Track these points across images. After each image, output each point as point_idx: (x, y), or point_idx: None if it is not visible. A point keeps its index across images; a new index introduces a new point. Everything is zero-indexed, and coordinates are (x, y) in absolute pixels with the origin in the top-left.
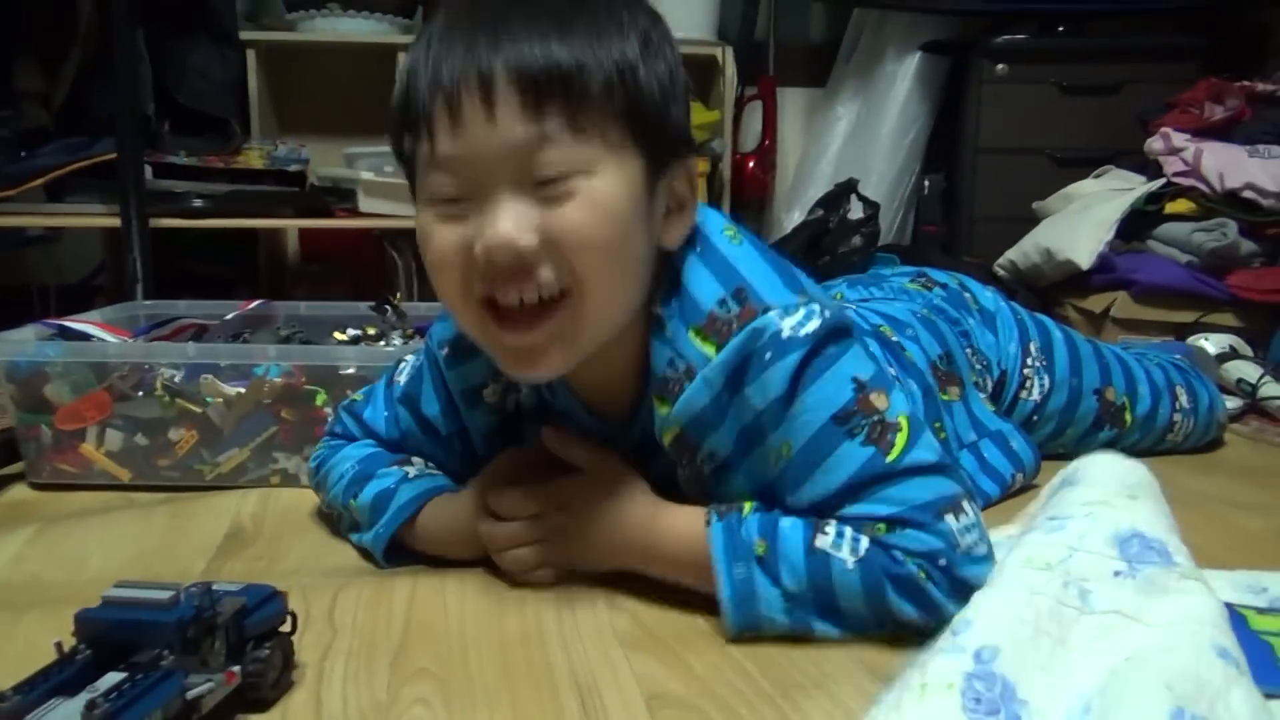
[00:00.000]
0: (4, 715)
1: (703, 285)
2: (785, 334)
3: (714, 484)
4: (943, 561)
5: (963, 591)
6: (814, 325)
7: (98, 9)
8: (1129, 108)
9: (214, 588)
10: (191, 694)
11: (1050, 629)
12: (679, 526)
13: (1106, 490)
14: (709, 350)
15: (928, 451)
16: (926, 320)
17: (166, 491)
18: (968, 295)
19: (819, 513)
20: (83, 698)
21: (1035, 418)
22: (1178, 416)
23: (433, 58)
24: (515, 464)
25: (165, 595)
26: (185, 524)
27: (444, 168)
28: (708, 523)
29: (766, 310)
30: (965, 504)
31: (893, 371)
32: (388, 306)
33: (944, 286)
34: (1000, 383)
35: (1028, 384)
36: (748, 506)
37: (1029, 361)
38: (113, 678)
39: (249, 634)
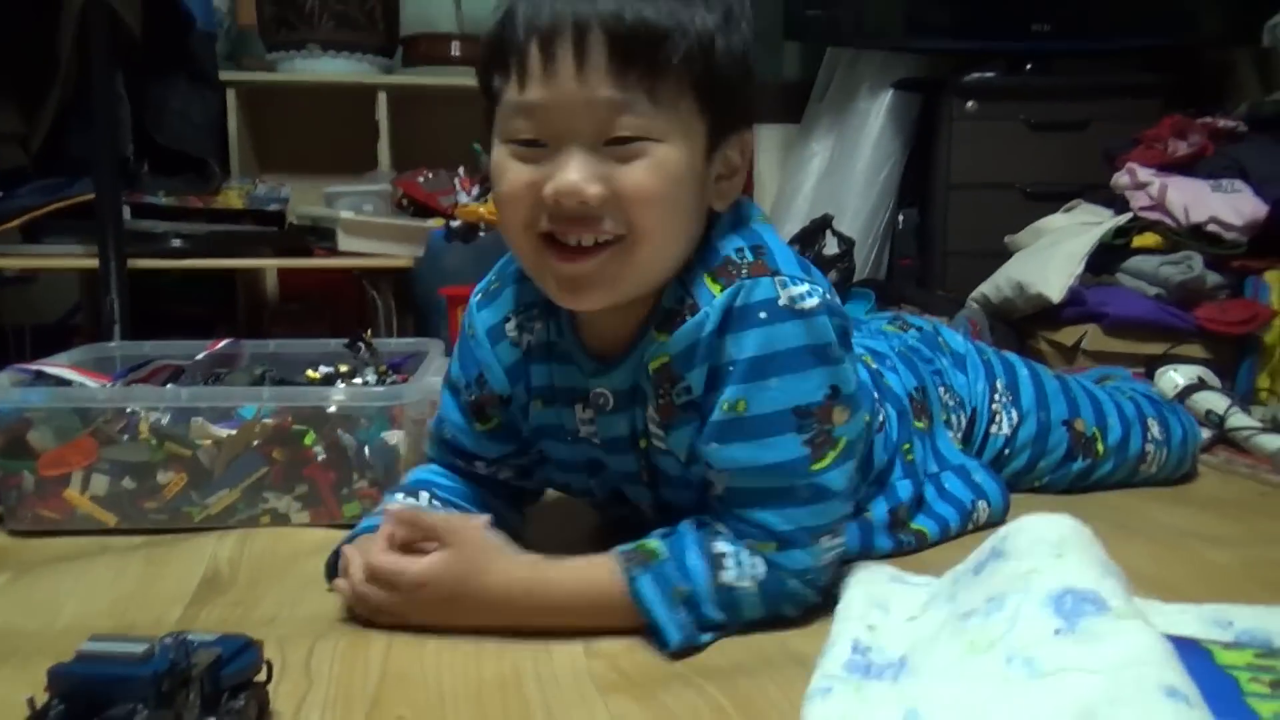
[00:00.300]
0: None
1: (726, 238)
2: (781, 302)
3: (674, 424)
4: (811, 576)
5: (825, 592)
6: (813, 303)
7: (77, 52)
8: (1096, 143)
9: (188, 639)
10: None
11: (999, 709)
12: (577, 576)
13: (1034, 557)
14: (716, 290)
15: (840, 478)
16: (904, 356)
17: (151, 534)
18: (940, 339)
19: (725, 485)
20: None
21: (1007, 451)
22: (1150, 447)
23: (533, 1)
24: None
25: (139, 649)
26: (161, 569)
27: (527, 113)
28: (630, 576)
29: (775, 274)
30: (840, 527)
31: (875, 395)
32: (360, 343)
33: (919, 329)
34: (971, 421)
35: (997, 419)
36: (655, 549)
37: (996, 398)
38: None
39: (224, 685)
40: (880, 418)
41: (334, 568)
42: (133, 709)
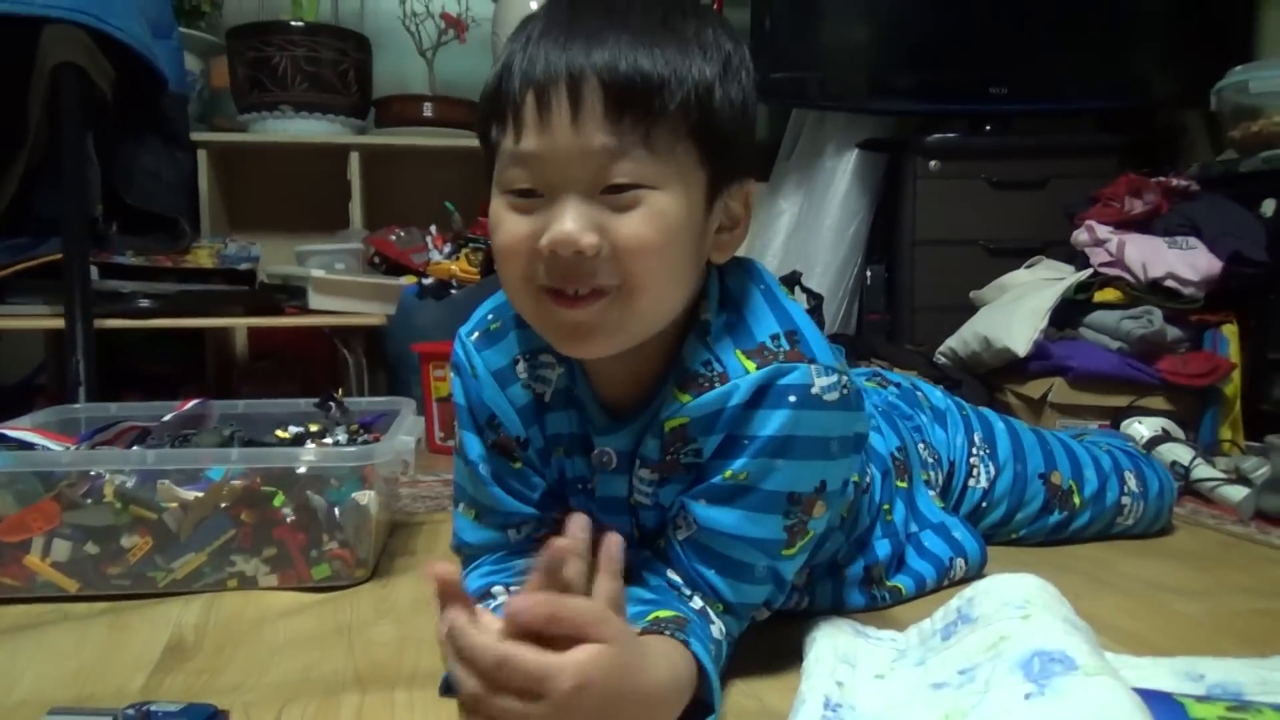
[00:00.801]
0: None
1: (762, 320)
2: (814, 390)
3: (670, 480)
4: (738, 634)
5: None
6: (834, 396)
7: (47, 113)
8: (1055, 201)
9: (152, 709)
10: None
11: None
12: (666, 657)
13: (1001, 623)
14: (749, 366)
15: (795, 567)
16: (885, 415)
17: (113, 600)
18: (919, 394)
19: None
20: None
21: (984, 504)
22: (1126, 500)
23: (529, 54)
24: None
25: None
26: (123, 637)
27: (523, 163)
28: (682, 640)
29: (812, 361)
30: (775, 603)
31: (862, 457)
32: (331, 402)
33: (897, 385)
34: (950, 474)
35: (974, 472)
36: (678, 616)
37: (974, 451)
38: None
39: None
40: (866, 479)
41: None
42: None
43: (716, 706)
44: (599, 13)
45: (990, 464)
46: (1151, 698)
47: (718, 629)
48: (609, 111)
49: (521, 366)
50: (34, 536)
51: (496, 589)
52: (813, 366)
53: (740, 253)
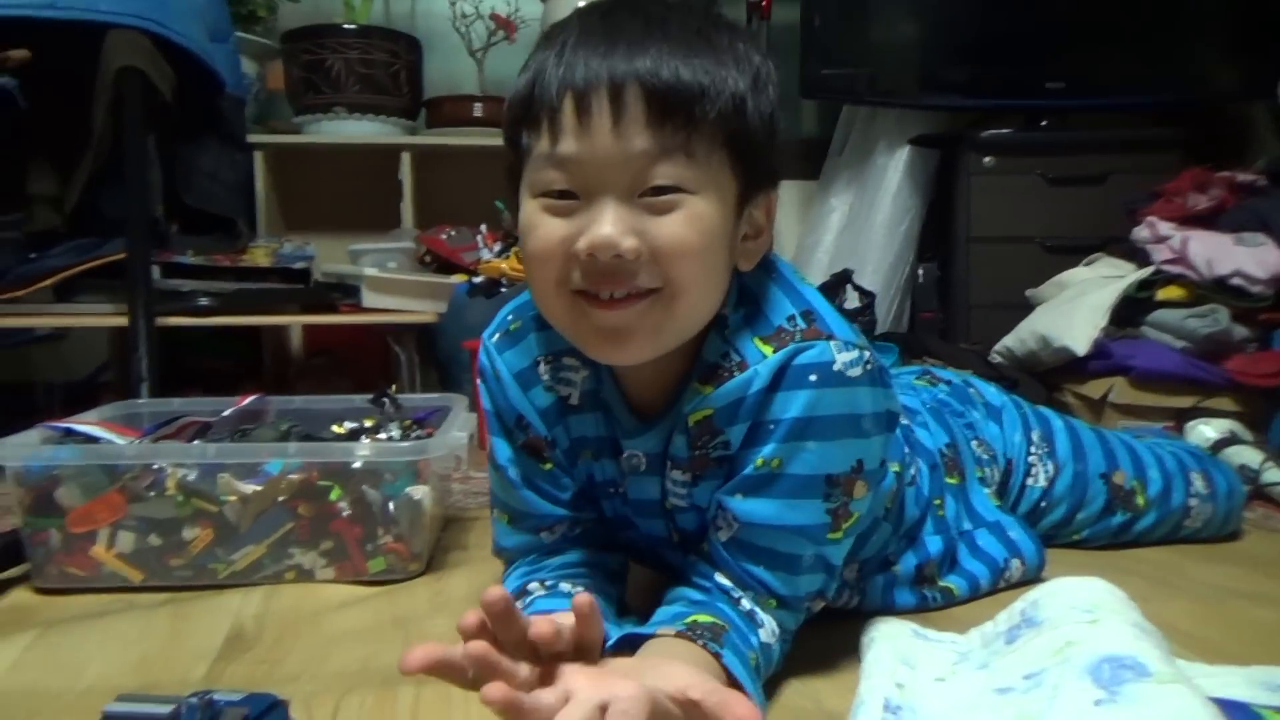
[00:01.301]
0: None
1: (777, 305)
2: (836, 366)
3: (704, 477)
4: (796, 627)
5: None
6: (858, 371)
7: (111, 117)
8: (1114, 197)
9: (215, 698)
10: None
11: None
12: (688, 662)
13: (1068, 627)
14: (767, 351)
15: (843, 551)
16: (934, 412)
17: (176, 591)
18: (973, 390)
19: (735, 536)
20: None
21: (1044, 504)
22: (1193, 501)
23: (566, 61)
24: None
25: (165, 710)
26: (186, 626)
27: (560, 165)
28: (714, 652)
29: (830, 337)
30: (829, 592)
31: (906, 449)
32: (385, 399)
33: (949, 383)
34: (1007, 472)
35: (1033, 471)
36: (715, 620)
37: (1032, 449)
38: None
39: None
40: (911, 471)
41: None
42: None
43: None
44: (638, 23)
45: (1049, 462)
46: (1229, 707)
47: (768, 630)
48: (651, 117)
49: (543, 368)
50: (100, 528)
51: (533, 585)
52: (832, 342)
53: (789, 252)
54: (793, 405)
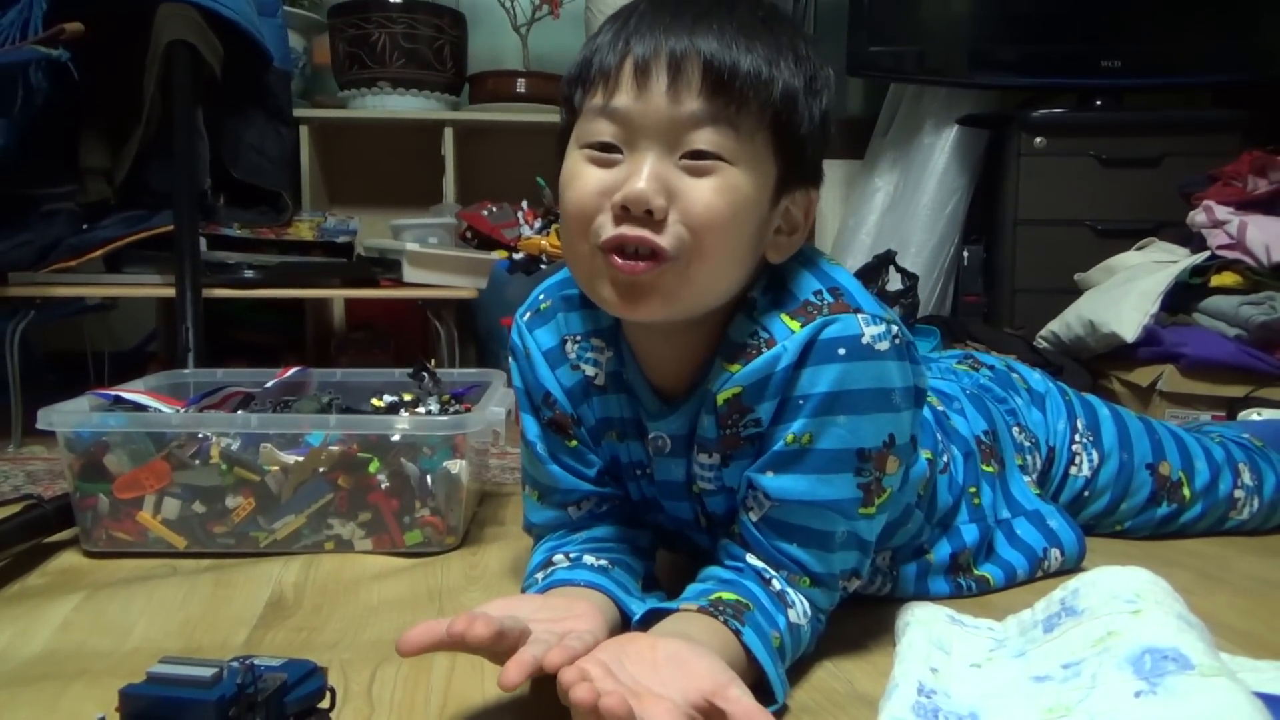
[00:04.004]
0: None
1: (803, 282)
2: (864, 340)
3: (735, 456)
4: (828, 614)
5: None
6: (886, 345)
7: (160, 91)
8: (1170, 180)
9: (255, 664)
10: None
11: None
12: (706, 640)
13: (1109, 617)
14: (794, 327)
15: (876, 527)
16: (974, 398)
17: (217, 558)
18: (1015, 376)
19: (767, 514)
20: None
21: (1086, 493)
22: (1239, 493)
23: (632, 29)
24: None
25: (208, 673)
26: (228, 592)
27: (611, 117)
28: (735, 629)
29: (857, 310)
30: (864, 570)
31: (939, 436)
32: (424, 373)
33: (991, 368)
34: (1050, 460)
35: (1076, 460)
36: (740, 597)
37: (1076, 437)
38: None
39: (289, 711)
40: (944, 458)
41: None
42: None
43: (779, 694)
44: (706, 2)
45: (1094, 451)
46: (1274, 703)
47: (798, 611)
48: (704, 88)
49: (570, 347)
50: (146, 495)
51: (558, 557)
52: (859, 316)
53: (832, 232)
54: (821, 380)
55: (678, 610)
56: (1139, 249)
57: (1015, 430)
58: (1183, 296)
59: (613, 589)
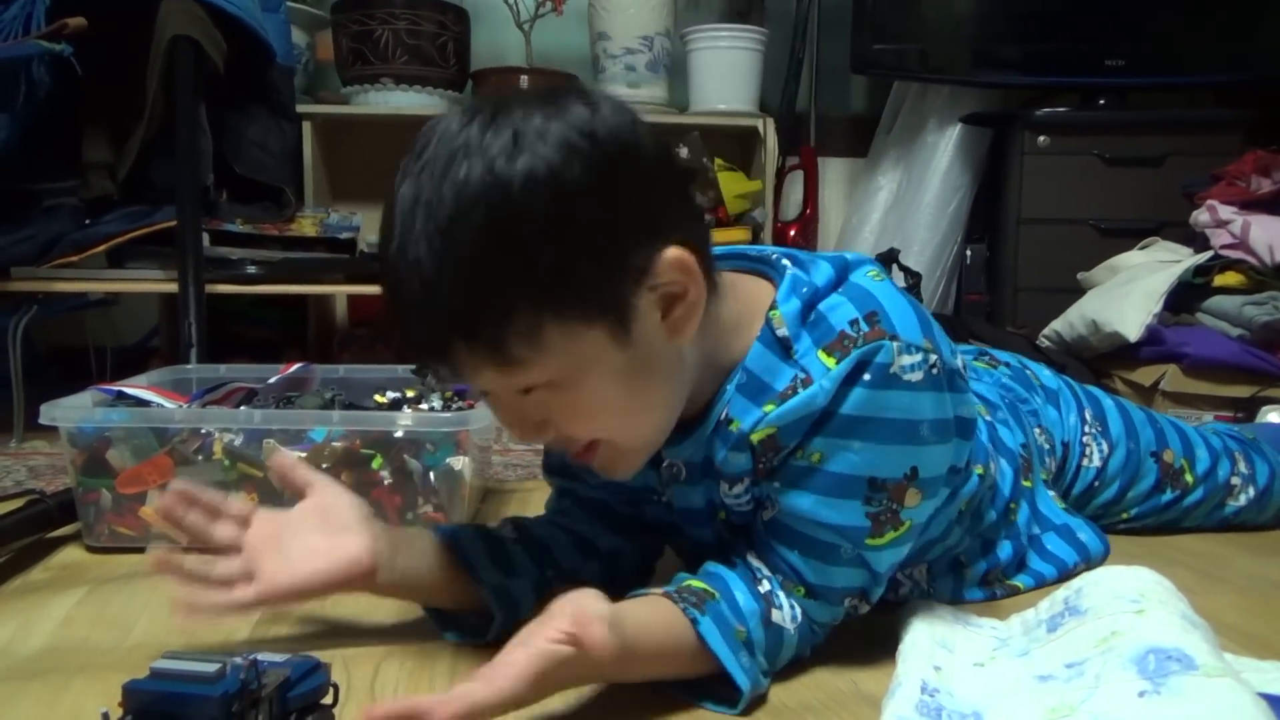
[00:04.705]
0: None
1: (839, 310)
2: (892, 369)
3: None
4: (827, 629)
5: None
6: (918, 376)
7: (163, 86)
8: (1173, 179)
9: (259, 660)
10: None
11: None
12: (651, 622)
13: (1113, 617)
14: (830, 363)
15: (889, 559)
16: (1011, 406)
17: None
18: (1029, 373)
19: (774, 517)
20: None
21: (1097, 483)
22: (1236, 480)
23: (399, 334)
24: None
25: (211, 668)
26: None
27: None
28: (691, 618)
29: (894, 337)
30: (873, 595)
31: (990, 449)
32: (427, 369)
33: (1007, 365)
34: (1064, 456)
35: (1088, 451)
36: (705, 588)
37: (1086, 429)
38: None
39: (291, 707)
40: (994, 473)
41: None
42: None
43: (743, 684)
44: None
45: (1103, 441)
46: (1279, 704)
47: (783, 613)
48: (475, 364)
49: None
50: (149, 490)
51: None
52: (895, 344)
53: (835, 230)
54: (843, 403)
55: (645, 595)
56: (1142, 248)
57: (1037, 432)
58: (1186, 296)
59: (466, 549)
